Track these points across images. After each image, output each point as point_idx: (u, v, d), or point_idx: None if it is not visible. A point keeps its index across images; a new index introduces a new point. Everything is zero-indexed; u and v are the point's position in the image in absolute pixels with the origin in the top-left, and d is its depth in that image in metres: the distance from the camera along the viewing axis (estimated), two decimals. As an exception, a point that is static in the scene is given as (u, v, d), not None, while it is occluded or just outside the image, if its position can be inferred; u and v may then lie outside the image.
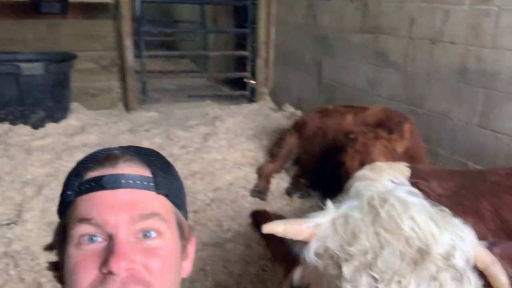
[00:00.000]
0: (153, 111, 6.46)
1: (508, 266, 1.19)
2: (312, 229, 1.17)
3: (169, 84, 8.08)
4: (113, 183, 1.00)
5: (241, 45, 7.81)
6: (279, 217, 1.35)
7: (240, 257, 3.17)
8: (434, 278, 1.02)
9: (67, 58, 5.73)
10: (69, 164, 4.68)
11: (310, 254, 1.15)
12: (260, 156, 4.96)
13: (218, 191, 4.16)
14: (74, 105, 6.01)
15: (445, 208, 1.25)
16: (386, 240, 1.06)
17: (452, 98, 3.96)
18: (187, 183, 4.10)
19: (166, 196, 1.06)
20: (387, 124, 3.68)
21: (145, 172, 1.05)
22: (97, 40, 6.26)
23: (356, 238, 1.08)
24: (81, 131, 5.34)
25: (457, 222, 1.19)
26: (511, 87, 3.45)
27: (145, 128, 5.52)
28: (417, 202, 1.18)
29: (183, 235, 1.11)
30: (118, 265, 0.92)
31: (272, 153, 4.84)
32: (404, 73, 4.50)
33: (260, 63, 7.13)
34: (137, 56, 6.65)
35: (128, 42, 6.25)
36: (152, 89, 7.26)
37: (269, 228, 1.19)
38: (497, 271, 1.14)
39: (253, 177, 4.52)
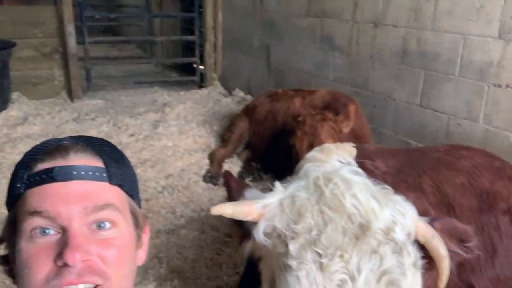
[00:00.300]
0: (99, 99, 6.30)
1: (448, 240, 1.26)
2: (261, 209, 1.19)
3: (114, 71, 7.89)
4: (64, 174, 0.98)
5: (188, 30, 7.71)
6: (243, 184, 1.38)
7: (194, 242, 3.18)
8: (375, 252, 1.07)
9: (5, 46, 5.46)
10: (12, 156, 4.49)
11: (259, 234, 1.18)
12: (211, 142, 4.96)
13: (170, 178, 4.14)
14: (15, 95, 5.77)
15: (387, 186, 1.31)
16: (330, 217, 1.10)
17: (395, 80, 4.10)
18: (137, 172, 4.03)
19: (120, 186, 1.06)
20: (333, 106, 3.77)
21: (98, 163, 1.04)
22: (37, 27, 6.00)
23: (301, 217, 1.12)
24: (24, 122, 5.13)
25: (398, 199, 1.24)
26: (449, 67, 3.62)
27: (91, 116, 5.38)
28: (360, 181, 1.23)
29: (138, 224, 1.11)
30: (74, 257, 0.91)
31: (224, 138, 4.86)
32: (349, 56, 4.61)
33: (208, 47, 7.07)
34: (80, 42, 6.43)
35: (70, 28, 6.03)
36: (97, 76, 7.06)
37: (217, 210, 1.21)
38: (437, 245, 1.20)
39: (205, 163, 4.53)
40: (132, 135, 4.87)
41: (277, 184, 1.27)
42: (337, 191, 1.15)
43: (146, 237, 1.18)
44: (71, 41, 6.05)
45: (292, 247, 1.09)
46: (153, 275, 2.80)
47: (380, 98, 4.27)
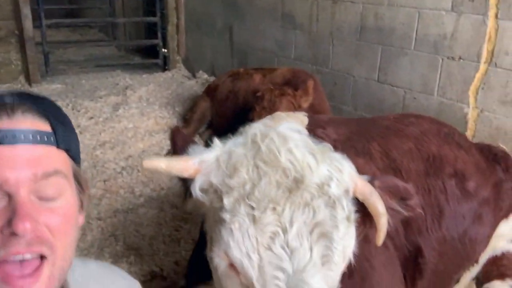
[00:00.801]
0: (58, 83, 6.13)
1: (388, 197, 1.28)
2: (197, 165, 1.18)
3: (75, 55, 7.70)
4: (12, 138, 0.90)
5: (151, 12, 7.55)
6: (189, 141, 1.34)
7: (153, 220, 3.15)
8: (308, 205, 1.08)
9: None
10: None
11: (196, 190, 1.17)
12: (173, 123, 4.91)
13: (130, 159, 4.08)
14: (-32, 80, 5.58)
15: (327, 144, 1.31)
16: (264, 172, 1.10)
17: (354, 56, 4.13)
18: (96, 153, 3.98)
19: (67, 151, 1.00)
20: (293, 83, 3.78)
21: (45, 126, 0.96)
22: (-10, 9, 5.79)
23: (236, 172, 1.11)
24: (-22, 107, 4.95)
25: (337, 156, 1.24)
26: (404, 42, 3.66)
27: (49, 100, 5.23)
28: (297, 137, 1.23)
29: (82, 189, 1.07)
30: (24, 227, 0.86)
31: (185, 118, 4.81)
32: (309, 34, 4.61)
33: (171, 29, 6.96)
34: (38, 25, 6.22)
35: (26, 10, 5.82)
36: (57, 61, 6.87)
37: (150, 164, 1.18)
38: (375, 202, 1.22)
39: (167, 144, 4.47)
40: (91, 117, 4.76)
41: (216, 140, 1.26)
42: (273, 146, 1.15)
43: (86, 202, 1.15)
44: (28, 24, 5.85)
45: (226, 201, 1.09)
46: (109, 252, 2.76)
47: (339, 75, 4.30)
